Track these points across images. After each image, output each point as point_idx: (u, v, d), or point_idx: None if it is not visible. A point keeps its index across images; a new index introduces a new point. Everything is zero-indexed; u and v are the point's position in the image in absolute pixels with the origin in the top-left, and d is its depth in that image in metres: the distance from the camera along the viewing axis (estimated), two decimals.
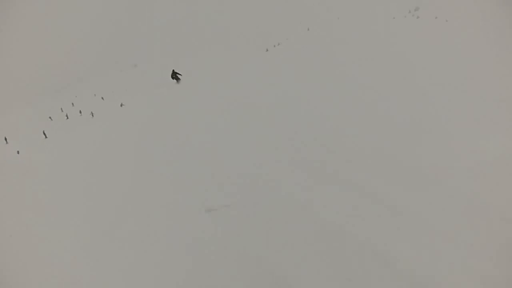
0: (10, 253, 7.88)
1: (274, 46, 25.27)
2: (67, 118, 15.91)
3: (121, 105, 16.11)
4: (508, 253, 3.93)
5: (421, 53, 10.86)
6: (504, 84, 7.54)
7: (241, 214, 5.52)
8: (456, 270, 3.79)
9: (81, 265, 6.50)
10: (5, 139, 13.45)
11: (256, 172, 6.59)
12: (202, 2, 51.01)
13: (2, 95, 34.53)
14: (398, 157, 6.42)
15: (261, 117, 9.39)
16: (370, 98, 8.64)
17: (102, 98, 20.22)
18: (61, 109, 18.40)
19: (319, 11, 38.76)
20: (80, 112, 16.48)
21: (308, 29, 28.67)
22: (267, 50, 24.56)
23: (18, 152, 11.21)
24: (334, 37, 21.85)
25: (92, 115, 15.17)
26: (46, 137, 12.97)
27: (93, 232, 6.80)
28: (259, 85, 13.46)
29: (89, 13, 52.73)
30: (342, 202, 5.30)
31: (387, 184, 5.71)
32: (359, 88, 9.64)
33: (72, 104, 20.00)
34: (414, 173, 5.98)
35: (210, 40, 40.16)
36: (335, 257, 4.25)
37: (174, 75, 17.85)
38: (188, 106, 13.00)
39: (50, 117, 16.82)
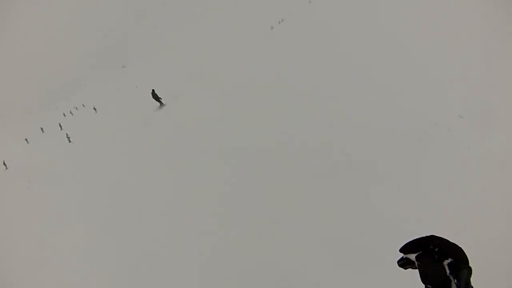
0: (11, 252, 7.93)
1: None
2: None
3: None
4: (509, 249, 3.93)
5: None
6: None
7: None
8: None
9: (81, 264, 6.56)
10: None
11: None
12: None
13: None
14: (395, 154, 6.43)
15: None
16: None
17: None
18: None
19: None
20: None
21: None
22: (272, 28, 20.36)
23: None
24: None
25: None
26: None
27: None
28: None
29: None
30: None
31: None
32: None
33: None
34: (412, 173, 6.00)
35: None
36: None
37: (155, 97, 14.87)
38: None
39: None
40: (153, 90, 14.69)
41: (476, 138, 6.28)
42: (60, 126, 18.93)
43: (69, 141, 14.93)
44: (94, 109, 20.56)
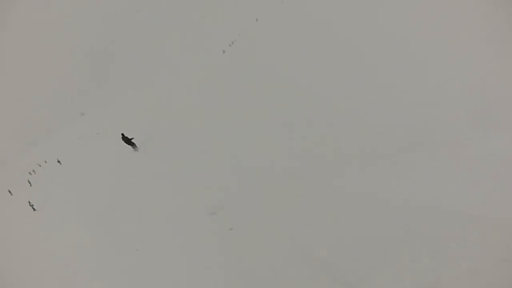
0: (11, 253, 7.94)
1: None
2: None
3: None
4: (509, 253, 3.93)
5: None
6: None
7: None
8: (458, 270, 3.79)
9: (81, 265, 6.56)
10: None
11: None
12: None
13: None
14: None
15: None
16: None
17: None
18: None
19: None
20: None
21: None
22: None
23: None
24: None
25: None
26: None
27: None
28: None
29: None
30: None
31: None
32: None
33: None
34: (412, 172, 6.00)
35: None
36: None
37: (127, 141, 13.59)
38: None
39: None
40: (122, 134, 13.59)
41: (476, 138, 6.29)
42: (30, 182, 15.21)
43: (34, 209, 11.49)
44: (58, 161, 17.06)
